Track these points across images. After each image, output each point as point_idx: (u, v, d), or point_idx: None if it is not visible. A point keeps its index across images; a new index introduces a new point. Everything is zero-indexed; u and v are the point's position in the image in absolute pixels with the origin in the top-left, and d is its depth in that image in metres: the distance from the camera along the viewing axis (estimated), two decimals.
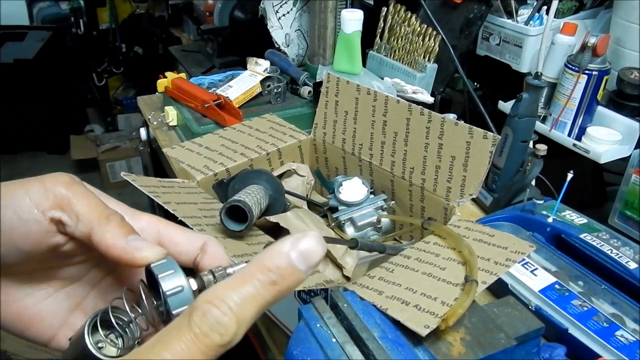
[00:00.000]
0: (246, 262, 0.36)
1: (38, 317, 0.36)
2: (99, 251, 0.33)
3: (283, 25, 1.35)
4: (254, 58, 1.23)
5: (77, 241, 0.35)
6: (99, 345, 0.33)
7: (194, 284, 0.33)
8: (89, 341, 0.33)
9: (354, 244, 0.65)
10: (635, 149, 0.95)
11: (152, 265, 0.33)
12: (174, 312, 0.32)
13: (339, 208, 0.80)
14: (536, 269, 0.75)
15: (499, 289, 0.73)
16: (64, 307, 0.37)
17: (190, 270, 0.35)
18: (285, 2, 1.33)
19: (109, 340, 0.34)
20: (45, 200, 0.32)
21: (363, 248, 0.67)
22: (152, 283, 0.34)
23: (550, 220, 0.81)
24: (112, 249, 0.33)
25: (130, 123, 3.08)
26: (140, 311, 0.34)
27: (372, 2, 1.42)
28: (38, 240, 0.33)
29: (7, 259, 0.33)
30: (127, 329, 0.35)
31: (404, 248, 0.66)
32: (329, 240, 0.64)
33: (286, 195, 0.81)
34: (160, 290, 0.32)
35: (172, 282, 0.32)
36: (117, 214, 0.34)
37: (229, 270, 0.35)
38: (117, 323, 0.34)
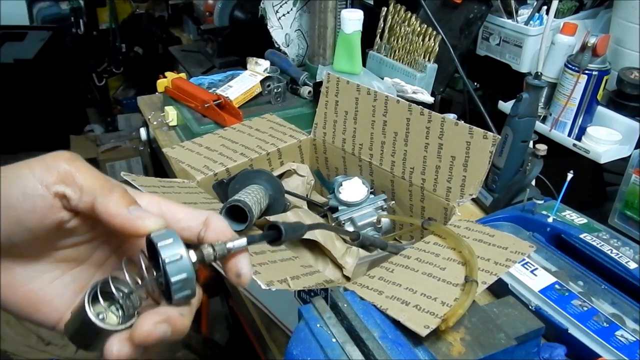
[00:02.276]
0: (247, 237, 0.37)
1: (45, 300, 0.36)
2: (102, 221, 0.34)
3: (283, 25, 1.35)
4: (254, 58, 1.23)
5: (81, 217, 0.35)
6: (100, 315, 0.34)
7: (193, 255, 0.34)
8: (89, 310, 0.33)
9: (356, 236, 0.66)
10: (635, 149, 0.96)
11: (152, 234, 0.33)
12: (172, 279, 0.32)
13: (339, 208, 0.80)
14: (536, 269, 0.75)
15: (499, 289, 0.73)
16: (70, 289, 0.37)
17: (196, 247, 0.35)
18: (285, 2, 1.33)
19: (109, 311, 0.34)
20: (49, 176, 0.33)
21: (364, 242, 0.67)
22: (153, 254, 0.34)
23: (550, 220, 0.81)
24: (114, 218, 0.33)
25: (130, 123, 3.07)
26: (139, 282, 0.34)
27: (372, 2, 1.42)
28: (43, 215, 0.33)
29: (14, 238, 0.33)
30: (127, 299, 0.35)
31: (405, 247, 0.66)
32: (332, 229, 0.64)
33: (286, 195, 0.81)
34: (160, 258, 0.32)
35: (171, 250, 0.33)
36: (121, 186, 0.35)
37: (229, 245, 0.36)
38: (117, 293, 0.34)
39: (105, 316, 0.34)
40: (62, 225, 0.35)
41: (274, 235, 0.45)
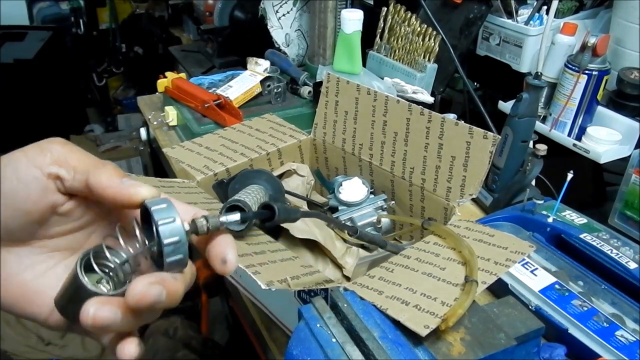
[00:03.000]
0: (240, 213, 0.38)
1: (38, 291, 0.36)
2: (96, 195, 0.34)
3: (283, 25, 1.35)
4: (254, 58, 1.23)
5: (75, 200, 0.36)
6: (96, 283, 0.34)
7: (187, 225, 0.34)
8: (81, 275, 0.33)
9: (354, 231, 0.66)
10: (635, 149, 0.96)
11: (146, 201, 0.34)
12: (164, 241, 0.32)
13: (339, 208, 0.80)
14: (536, 269, 0.75)
15: (499, 289, 0.73)
16: (63, 280, 0.37)
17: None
18: (285, 2, 1.33)
19: (101, 283, 0.34)
20: (43, 158, 0.34)
21: (363, 238, 0.68)
22: (146, 224, 0.34)
23: (550, 220, 0.81)
24: (107, 190, 0.34)
25: (130, 123, 3.07)
26: (131, 250, 0.35)
27: (372, 2, 1.42)
28: (38, 198, 0.34)
29: (9, 224, 0.34)
30: (119, 269, 0.35)
31: (404, 247, 0.66)
32: (330, 220, 0.64)
33: (286, 195, 0.81)
34: (153, 221, 0.33)
35: (164, 213, 0.33)
36: (112, 163, 0.36)
37: (222, 219, 0.36)
38: (112, 259, 0.34)
39: (98, 282, 0.34)
40: (56, 208, 0.35)
41: (267, 214, 0.46)
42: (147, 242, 0.34)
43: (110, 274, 0.35)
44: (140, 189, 0.34)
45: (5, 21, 2.87)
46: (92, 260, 0.34)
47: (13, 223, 0.34)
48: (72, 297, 0.33)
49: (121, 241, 0.34)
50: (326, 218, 0.62)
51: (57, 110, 2.92)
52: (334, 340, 0.47)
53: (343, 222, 0.78)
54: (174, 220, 0.33)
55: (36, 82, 2.75)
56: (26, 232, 0.35)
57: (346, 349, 0.45)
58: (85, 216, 0.37)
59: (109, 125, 3.09)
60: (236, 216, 0.37)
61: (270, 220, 0.45)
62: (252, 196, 0.70)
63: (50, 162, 0.34)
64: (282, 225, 0.71)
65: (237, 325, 1.41)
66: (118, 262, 0.35)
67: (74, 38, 2.95)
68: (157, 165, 1.46)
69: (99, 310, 0.31)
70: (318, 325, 0.48)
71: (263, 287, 0.50)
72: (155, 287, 0.31)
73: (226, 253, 0.36)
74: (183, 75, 1.24)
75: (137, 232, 0.34)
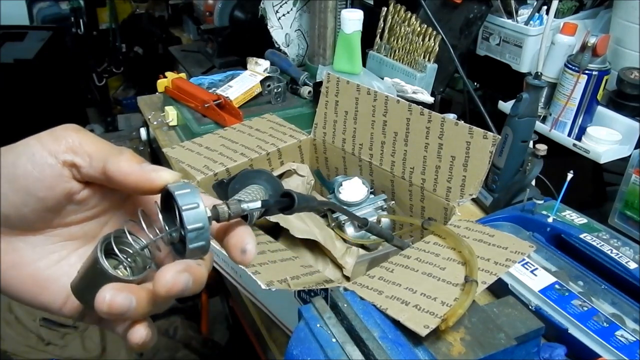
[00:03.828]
0: (261, 200, 0.37)
1: (52, 280, 0.36)
2: (115, 182, 0.34)
3: (283, 25, 1.35)
4: (254, 58, 1.23)
5: (91, 188, 0.35)
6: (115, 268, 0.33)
7: (208, 211, 0.33)
8: (102, 259, 0.32)
9: (364, 222, 0.65)
10: (635, 149, 0.96)
11: (168, 185, 0.33)
12: (188, 227, 0.32)
13: None
14: (536, 269, 0.75)
15: (499, 289, 0.73)
16: (76, 269, 0.36)
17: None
18: (285, 2, 1.33)
19: (120, 264, 0.34)
20: (57, 145, 0.33)
21: (372, 230, 0.67)
22: (167, 209, 0.34)
23: (550, 220, 0.81)
24: (128, 176, 0.33)
25: (130, 123, 3.07)
26: (151, 236, 0.34)
27: (372, 2, 1.42)
28: (52, 184, 0.33)
29: (23, 209, 0.33)
30: (139, 252, 0.34)
31: (409, 243, 0.66)
32: (343, 210, 0.64)
33: None
34: (176, 206, 0.32)
35: (188, 199, 0.32)
36: (129, 149, 0.35)
37: (244, 206, 0.35)
38: (135, 244, 0.34)
39: (118, 267, 0.34)
40: (71, 196, 0.35)
41: (287, 202, 0.45)
42: (167, 228, 0.34)
43: (129, 259, 0.34)
44: (163, 173, 0.34)
45: (5, 21, 2.87)
46: (113, 244, 0.33)
47: (27, 209, 0.33)
48: (91, 281, 0.33)
49: (144, 225, 0.34)
50: (340, 208, 0.62)
51: (57, 110, 2.92)
52: (334, 340, 0.47)
53: (344, 222, 0.78)
54: (198, 206, 0.32)
55: (36, 82, 2.75)
56: (41, 220, 0.35)
57: (346, 349, 0.45)
58: (101, 205, 0.37)
59: (109, 125, 3.09)
60: (257, 204, 0.37)
61: (289, 209, 0.45)
62: (252, 196, 0.70)
63: (65, 150, 0.33)
64: (281, 225, 0.71)
65: (237, 325, 1.41)
66: (138, 247, 0.34)
67: (74, 38, 2.95)
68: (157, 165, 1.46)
69: (115, 296, 0.30)
70: (318, 325, 0.48)
71: (263, 287, 0.50)
72: (183, 275, 0.31)
73: (246, 242, 0.35)
74: (183, 75, 1.24)
75: (160, 216, 0.34)
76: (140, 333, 0.33)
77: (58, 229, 0.36)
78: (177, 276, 0.31)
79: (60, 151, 0.33)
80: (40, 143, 0.33)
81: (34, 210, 0.34)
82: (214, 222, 0.35)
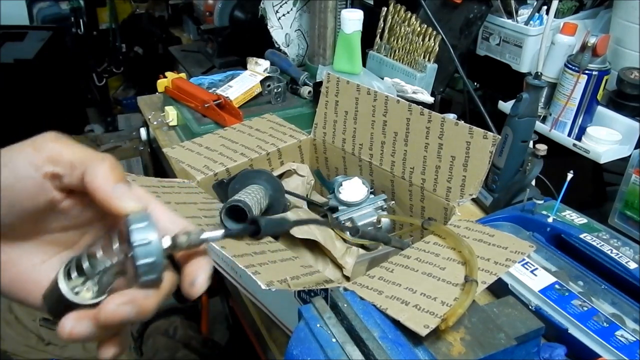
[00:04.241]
0: (224, 230, 0.38)
1: (34, 281, 0.37)
2: (88, 192, 0.34)
3: (283, 25, 1.35)
4: (254, 58, 1.23)
5: (73, 198, 0.36)
6: (75, 290, 0.34)
7: (167, 241, 0.34)
8: (62, 282, 0.34)
9: (354, 231, 0.65)
10: (635, 149, 0.96)
11: (129, 215, 0.34)
12: (138, 262, 0.33)
13: (339, 208, 0.80)
14: (536, 269, 0.75)
15: (499, 289, 0.73)
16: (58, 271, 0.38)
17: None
18: (285, 2, 1.33)
19: (85, 286, 0.35)
20: (38, 157, 0.34)
21: (365, 236, 0.67)
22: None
23: (550, 220, 0.81)
24: (97, 191, 0.34)
25: (130, 123, 3.07)
26: (111, 261, 0.35)
27: (372, 2, 1.42)
28: (35, 196, 0.34)
29: (7, 218, 0.34)
30: (104, 276, 0.35)
31: (409, 243, 0.66)
32: (325, 223, 0.64)
33: (286, 195, 0.81)
34: (129, 240, 0.33)
35: (142, 234, 0.33)
36: (112, 158, 0.35)
37: (204, 236, 0.36)
38: (90, 269, 0.35)
39: (80, 290, 0.34)
40: (54, 206, 0.35)
41: (253, 229, 0.45)
42: (126, 254, 0.35)
43: (93, 278, 0.35)
44: (126, 203, 0.34)
45: (5, 21, 2.88)
46: (71, 270, 0.35)
47: (10, 219, 0.34)
48: (56, 300, 0.34)
49: (101, 252, 0.35)
50: (324, 222, 0.62)
51: (57, 110, 2.92)
52: (334, 340, 0.47)
53: (343, 222, 0.78)
54: (150, 243, 0.33)
55: (36, 82, 2.75)
56: (24, 228, 0.36)
57: (346, 349, 0.45)
58: (83, 214, 0.37)
59: (109, 125, 3.09)
60: (219, 233, 0.37)
61: (256, 234, 0.45)
62: (252, 196, 0.70)
63: (46, 161, 0.34)
64: None
65: (237, 325, 1.41)
66: (102, 268, 0.35)
67: (74, 38, 2.95)
68: (157, 165, 1.46)
69: (75, 326, 0.32)
70: (318, 325, 0.48)
71: (263, 287, 0.50)
72: (124, 308, 0.33)
73: (197, 275, 0.36)
74: (183, 75, 1.24)
75: (116, 245, 0.35)
76: (109, 352, 0.35)
77: (40, 235, 0.37)
78: (119, 308, 0.33)
79: (41, 162, 0.34)
80: (22, 155, 0.34)
81: (17, 219, 0.34)
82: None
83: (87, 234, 0.39)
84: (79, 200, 0.36)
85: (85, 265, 0.35)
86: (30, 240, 0.37)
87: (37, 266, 0.37)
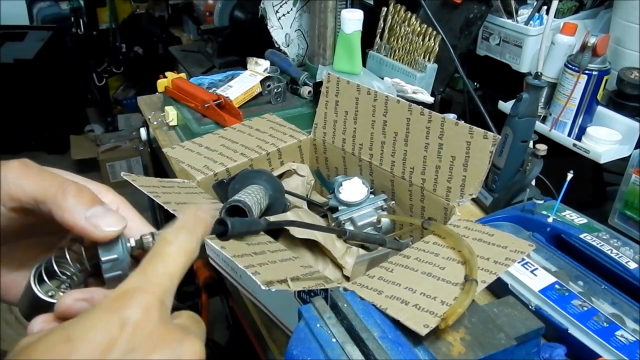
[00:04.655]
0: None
1: (15, 284, 0.37)
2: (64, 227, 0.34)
3: (283, 25, 1.35)
4: (254, 58, 1.23)
5: (46, 218, 0.36)
6: (49, 292, 0.35)
7: (132, 241, 0.35)
8: (34, 285, 0.34)
9: (342, 232, 0.64)
10: (635, 149, 0.96)
11: None
12: (102, 259, 0.34)
13: (339, 208, 0.80)
14: (536, 269, 0.75)
15: (499, 289, 0.73)
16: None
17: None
18: (285, 2, 1.33)
19: (60, 290, 0.36)
20: (2, 191, 0.33)
21: (355, 238, 0.67)
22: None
23: (550, 220, 0.81)
24: (74, 228, 0.33)
25: (130, 123, 3.07)
26: (78, 266, 0.36)
27: (372, 2, 1.42)
28: (5, 225, 0.34)
29: None
30: (72, 278, 0.36)
31: (407, 244, 0.66)
32: (319, 228, 0.63)
33: (286, 195, 0.81)
34: (97, 254, 0.34)
35: (110, 251, 0.34)
36: (73, 184, 0.34)
37: None
38: (61, 272, 0.35)
39: (54, 293, 0.35)
40: (27, 228, 0.36)
41: (221, 229, 0.45)
42: (90, 261, 0.36)
43: (73, 277, 0.36)
44: (105, 231, 0.33)
45: (5, 21, 2.88)
46: (43, 273, 0.35)
47: None
48: (31, 305, 0.35)
49: (68, 259, 0.35)
50: (300, 224, 0.60)
51: (57, 110, 2.92)
52: (334, 340, 0.47)
53: (344, 222, 0.78)
54: (117, 259, 0.34)
55: (36, 82, 2.75)
56: (4, 240, 0.36)
57: (346, 349, 0.45)
58: (59, 226, 0.37)
59: (109, 125, 3.09)
60: None
61: (223, 235, 0.45)
62: (252, 196, 0.70)
63: (8, 198, 0.33)
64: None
65: (237, 325, 1.41)
66: (73, 270, 0.36)
67: (74, 38, 2.95)
68: (157, 165, 1.46)
69: (43, 328, 0.32)
70: (318, 325, 0.48)
71: (263, 287, 0.50)
72: (80, 304, 0.32)
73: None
74: (183, 75, 1.24)
75: (83, 251, 0.36)
76: None
77: (18, 243, 0.37)
78: (75, 303, 0.32)
79: (4, 199, 0.33)
80: None
81: None
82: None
83: (68, 237, 0.39)
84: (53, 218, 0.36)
85: (56, 268, 0.35)
86: (10, 247, 0.37)
87: (17, 269, 0.38)
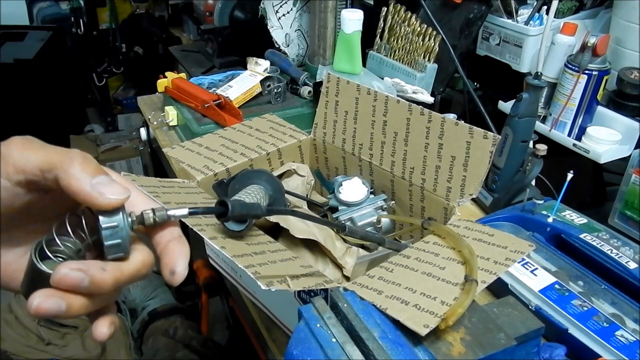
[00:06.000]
0: (188, 208, 0.39)
1: (19, 271, 0.37)
2: (68, 194, 0.34)
3: (283, 25, 1.35)
4: (254, 58, 1.23)
5: (51, 194, 0.36)
6: (50, 267, 0.35)
7: (133, 216, 0.36)
8: (35, 259, 0.34)
9: (341, 227, 0.64)
10: (635, 149, 0.96)
11: None
12: (102, 225, 0.34)
13: (339, 208, 0.80)
14: (536, 269, 0.75)
15: (499, 289, 0.73)
16: None
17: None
18: (285, 2, 1.33)
19: (58, 262, 0.35)
20: (6, 166, 0.34)
21: (354, 234, 0.67)
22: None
23: (550, 220, 0.81)
24: (78, 194, 0.34)
25: (130, 123, 3.07)
26: (78, 240, 0.36)
27: (372, 2, 1.42)
28: (11, 202, 0.34)
29: None
30: (76, 253, 0.36)
31: (406, 245, 0.66)
32: (318, 220, 0.63)
33: (286, 195, 0.81)
34: (98, 223, 0.34)
35: (111, 219, 0.34)
36: (79, 153, 0.35)
37: (170, 212, 0.37)
38: (62, 244, 0.35)
39: (55, 267, 0.35)
40: (32, 205, 0.36)
41: (221, 210, 0.45)
42: (90, 235, 0.36)
43: (67, 256, 0.36)
44: (109, 199, 0.34)
45: (5, 21, 2.88)
46: (45, 248, 0.35)
47: None
48: (33, 282, 0.35)
49: (70, 233, 0.35)
50: (301, 214, 0.60)
51: (57, 110, 2.92)
52: (334, 340, 0.47)
53: (344, 222, 0.78)
54: (117, 226, 0.34)
55: (36, 82, 2.75)
56: (5, 225, 0.36)
57: (346, 349, 0.45)
58: (62, 205, 0.37)
59: (109, 125, 3.09)
60: (184, 211, 0.38)
61: (224, 216, 0.45)
62: (252, 196, 0.70)
63: (14, 171, 0.33)
64: (281, 225, 0.71)
65: (237, 325, 1.41)
66: (74, 247, 0.36)
67: (74, 38, 2.94)
68: (157, 165, 1.46)
69: (42, 302, 0.32)
70: (318, 325, 0.48)
71: (263, 287, 0.50)
72: (75, 273, 0.33)
73: (176, 264, 0.36)
74: (183, 75, 1.24)
75: (84, 224, 0.36)
76: (102, 331, 0.36)
77: (22, 227, 0.37)
78: (70, 272, 0.33)
79: (10, 172, 0.33)
80: None
81: None
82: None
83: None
84: (57, 194, 0.36)
85: (58, 241, 0.35)
86: (13, 233, 0.37)
87: (21, 257, 0.38)
